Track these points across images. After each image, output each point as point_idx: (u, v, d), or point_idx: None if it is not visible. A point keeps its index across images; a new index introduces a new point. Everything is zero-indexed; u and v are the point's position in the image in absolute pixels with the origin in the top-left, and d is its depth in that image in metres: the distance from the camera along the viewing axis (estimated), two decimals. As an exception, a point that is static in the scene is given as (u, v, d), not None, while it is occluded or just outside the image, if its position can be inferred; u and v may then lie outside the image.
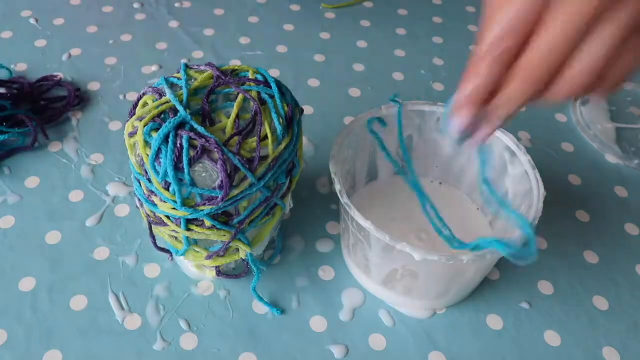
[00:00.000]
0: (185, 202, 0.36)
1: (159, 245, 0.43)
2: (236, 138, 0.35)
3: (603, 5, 0.28)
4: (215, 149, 0.34)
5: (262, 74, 0.39)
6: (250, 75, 0.39)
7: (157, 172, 0.35)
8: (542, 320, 0.44)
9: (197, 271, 0.44)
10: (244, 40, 0.67)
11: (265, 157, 0.36)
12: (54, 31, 0.65)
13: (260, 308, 0.43)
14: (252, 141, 0.35)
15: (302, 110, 0.40)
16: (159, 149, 0.34)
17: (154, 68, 0.62)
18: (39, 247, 0.46)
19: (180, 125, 0.35)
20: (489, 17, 0.31)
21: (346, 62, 0.65)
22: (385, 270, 0.42)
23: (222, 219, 0.37)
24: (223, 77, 0.38)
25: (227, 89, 0.38)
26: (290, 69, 0.63)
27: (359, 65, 0.65)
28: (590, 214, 0.52)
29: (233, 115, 0.36)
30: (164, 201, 0.36)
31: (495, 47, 0.31)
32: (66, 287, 0.43)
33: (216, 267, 0.43)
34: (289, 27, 0.69)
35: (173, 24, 0.68)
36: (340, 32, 0.69)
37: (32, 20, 0.66)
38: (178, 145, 0.34)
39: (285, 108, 0.38)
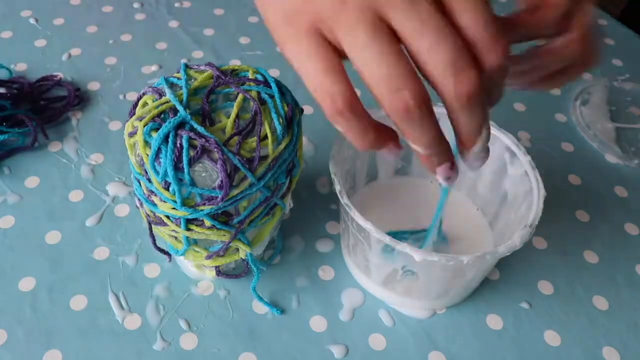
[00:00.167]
0: (185, 202, 0.36)
1: (159, 245, 0.43)
2: (236, 138, 0.35)
3: None
4: (215, 149, 0.34)
5: (262, 74, 0.39)
6: (250, 75, 0.39)
7: (157, 172, 0.35)
8: (542, 320, 0.44)
9: (197, 271, 0.44)
10: (244, 40, 0.67)
11: (265, 157, 0.36)
12: (54, 31, 0.65)
13: (260, 308, 0.43)
14: (252, 141, 0.35)
15: (302, 110, 0.40)
16: (159, 149, 0.34)
17: (154, 68, 0.62)
18: (39, 247, 0.46)
19: (180, 125, 0.35)
20: None
21: (346, 62, 0.65)
22: (385, 271, 0.42)
23: (222, 219, 0.37)
24: (223, 77, 0.38)
25: (227, 89, 0.38)
26: (290, 69, 0.63)
27: (359, 65, 0.65)
28: (590, 214, 0.52)
29: (233, 115, 0.36)
30: (164, 201, 0.36)
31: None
32: (66, 287, 0.43)
33: (216, 267, 0.43)
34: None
35: (173, 24, 0.68)
36: (340, 32, 0.69)
37: (32, 20, 0.66)
38: (178, 145, 0.34)
39: (285, 108, 0.38)
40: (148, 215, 0.40)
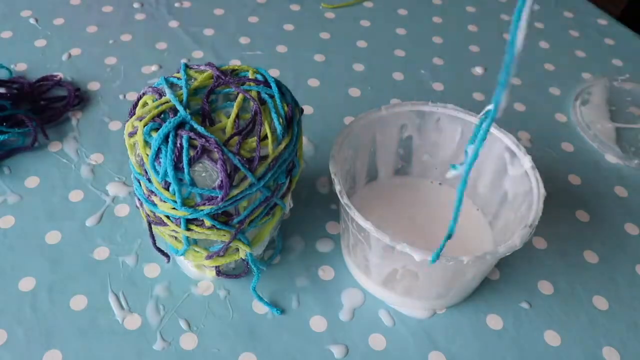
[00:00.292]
0: (185, 202, 0.36)
1: (158, 245, 0.43)
2: (236, 138, 0.35)
3: None
4: (215, 149, 0.34)
5: (262, 74, 0.39)
6: (250, 75, 0.39)
7: (157, 172, 0.35)
8: (542, 320, 0.44)
9: (197, 271, 0.44)
10: (244, 40, 0.67)
11: (265, 157, 0.36)
12: (54, 31, 0.65)
13: (260, 308, 0.43)
14: (252, 141, 0.35)
15: (302, 110, 0.40)
16: (159, 149, 0.34)
17: (154, 68, 0.62)
18: (39, 247, 0.46)
19: (180, 125, 0.35)
20: None
21: (346, 62, 0.65)
22: (385, 271, 0.42)
23: (222, 219, 0.37)
24: (223, 77, 0.38)
25: (227, 89, 0.38)
26: (290, 69, 0.63)
27: (359, 65, 0.65)
28: (590, 214, 0.52)
29: (233, 115, 0.36)
30: (164, 201, 0.36)
31: None
32: (66, 287, 0.43)
33: (216, 267, 0.43)
34: (289, 27, 0.69)
35: (173, 24, 0.68)
36: (340, 32, 0.69)
37: (32, 20, 0.66)
38: (178, 145, 0.34)
39: (285, 108, 0.38)
40: (148, 215, 0.40)
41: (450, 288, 0.42)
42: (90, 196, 0.49)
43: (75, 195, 0.49)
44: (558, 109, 0.62)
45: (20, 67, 0.60)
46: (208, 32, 0.67)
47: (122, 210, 0.48)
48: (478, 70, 0.66)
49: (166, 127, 0.34)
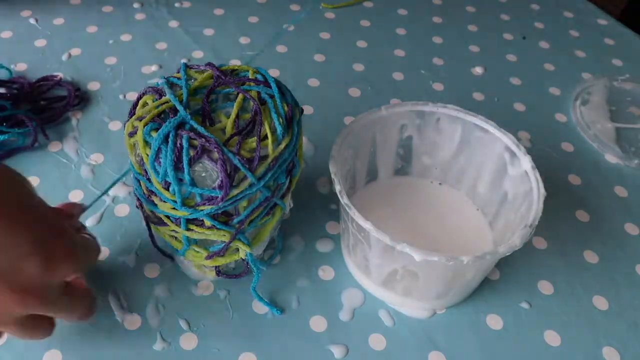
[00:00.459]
0: (185, 202, 0.36)
1: (158, 246, 0.43)
2: (236, 138, 0.35)
3: None
4: (215, 149, 0.34)
5: (262, 74, 0.39)
6: (250, 75, 0.39)
7: (157, 172, 0.35)
8: (542, 320, 0.44)
9: (197, 271, 0.44)
10: (244, 40, 0.67)
11: (265, 157, 0.36)
12: (54, 31, 0.65)
13: (260, 308, 0.43)
14: (252, 141, 0.35)
15: (302, 110, 0.40)
16: (159, 149, 0.34)
17: (154, 68, 0.62)
18: (39, 247, 0.46)
19: (180, 125, 0.35)
20: None
21: (346, 62, 0.65)
22: (385, 271, 0.42)
23: (222, 219, 0.37)
24: (223, 77, 0.38)
25: (227, 89, 0.38)
26: (290, 69, 0.63)
27: (359, 65, 0.65)
28: (590, 214, 0.52)
29: (233, 115, 0.36)
30: (164, 201, 0.36)
31: None
32: (66, 287, 0.43)
33: (216, 267, 0.43)
34: (288, 27, 0.69)
35: (173, 24, 0.68)
36: (340, 32, 0.69)
37: (32, 20, 0.66)
38: (178, 145, 0.34)
39: (285, 108, 0.38)
40: (148, 215, 0.40)
41: (450, 288, 0.42)
42: (90, 196, 0.49)
43: (75, 195, 0.49)
44: (558, 109, 0.62)
45: (20, 67, 0.60)
46: (208, 32, 0.67)
47: (122, 210, 0.48)
48: (478, 70, 0.66)
49: (166, 127, 0.34)
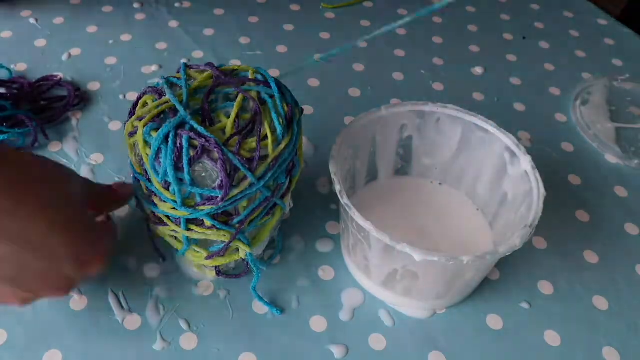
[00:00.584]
0: (185, 202, 0.36)
1: (158, 246, 0.43)
2: (236, 138, 0.35)
3: None
4: (215, 149, 0.34)
5: (262, 74, 0.39)
6: (250, 75, 0.39)
7: (157, 172, 0.35)
8: (542, 320, 0.44)
9: (197, 271, 0.44)
10: (244, 40, 0.67)
11: (265, 157, 0.36)
12: (54, 31, 0.65)
13: (260, 308, 0.43)
14: (252, 141, 0.35)
15: (302, 110, 0.40)
16: (159, 149, 0.34)
17: (154, 68, 0.62)
18: (39, 247, 0.46)
19: (180, 125, 0.35)
20: None
21: (346, 62, 0.65)
22: (385, 271, 0.42)
23: (222, 219, 0.37)
24: (223, 77, 0.38)
25: (227, 89, 0.38)
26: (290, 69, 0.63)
27: (359, 65, 0.65)
28: (590, 214, 0.52)
29: (233, 115, 0.36)
30: (164, 201, 0.36)
31: None
32: (66, 287, 0.43)
33: (216, 267, 0.43)
34: (289, 27, 0.69)
35: (173, 24, 0.68)
36: (340, 32, 0.69)
37: (32, 20, 0.66)
38: (178, 145, 0.34)
39: (285, 108, 0.38)
40: (148, 215, 0.40)
41: (450, 288, 0.42)
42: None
43: (75, 195, 0.49)
44: (558, 109, 0.62)
45: (20, 67, 0.60)
46: (208, 32, 0.67)
47: (122, 210, 0.48)
48: (478, 70, 0.66)
49: (166, 127, 0.34)
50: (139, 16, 0.68)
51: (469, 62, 0.67)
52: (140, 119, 0.36)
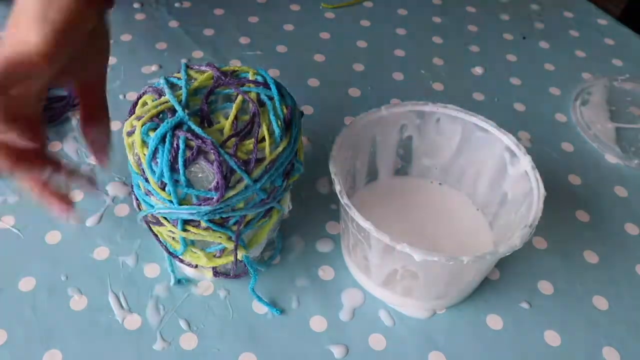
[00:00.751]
0: (182, 203, 0.36)
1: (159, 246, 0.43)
2: (233, 140, 0.35)
3: None
4: (212, 150, 0.34)
5: (262, 75, 0.39)
6: (250, 76, 0.39)
7: (153, 172, 0.35)
8: (542, 320, 0.44)
9: (195, 271, 0.44)
10: (244, 40, 0.67)
11: (262, 160, 0.36)
12: (54, 31, 0.65)
13: (260, 308, 0.43)
14: (250, 143, 0.35)
15: (302, 113, 0.40)
16: (156, 149, 0.34)
17: (154, 68, 0.62)
18: (39, 247, 0.46)
19: (178, 125, 0.35)
20: None
21: (346, 62, 0.65)
22: (385, 271, 0.42)
23: (219, 220, 0.37)
24: (223, 77, 0.38)
25: (227, 90, 0.38)
26: (290, 69, 0.63)
27: (359, 65, 0.65)
28: (590, 214, 0.52)
29: (231, 117, 0.36)
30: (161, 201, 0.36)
31: None
32: (66, 287, 0.43)
33: (213, 267, 0.43)
34: (289, 27, 0.69)
35: (173, 24, 0.68)
36: (340, 32, 0.69)
37: (32, 21, 0.66)
38: (175, 145, 0.34)
39: (285, 110, 0.37)
40: (146, 215, 0.40)
41: (450, 288, 0.42)
42: (90, 196, 0.49)
43: (75, 195, 0.49)
44: (558, 109, 0.62)
45: (21, 67, 0.60)
46: (208, 32, 0.67)
47: (122, 210, 0.48)
48: (478, 70, 0.66)
49: (163, 127, 0.34)
50: (139, 16, 0.68)
51: (469, 62, 0.67)
52: (138, 118, 0.36)
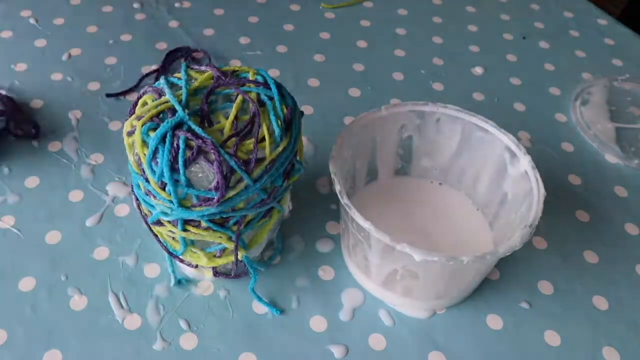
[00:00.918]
0: (182, 203, 0.36)
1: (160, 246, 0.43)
2: (234, 139, 0.35)
3: None
4: (212, 150, 0.34)
5: (262, 75, 0.39)
6: (250, 76, 0.39)
7: (154, 172, 0.35)
8: (542, 320, 0.44)
9: (195, 271, 0.44)
10: (244, 40, 0.67)
11: (262, 160, 0.36)
12: (54, 31, 0.65)
13: (260, 308, 0.43)
14: (250, 143, 0.35)
15: (302, 113, 0.40)
16: (156, 149, 0.34)
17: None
18: (39, 247, 0.46)
19: (178, 125, 0.35)
20: None
21: (346, 62, 0.65)
22: (385, 271, 0.42)
23: (219, 220, 0.37)
24: (223, 77, 0.38)
25: (227, 90, 0.38)
26: (290, 69, 0.63)
27: (359, 65, 0.65)
28: (590, 214, 0.52)
29: (231, 117, 0.36)
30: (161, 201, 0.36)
31: None
32: (66, 287, 0.43)
33: (213, 267, 0.43)
34: (289, 27, 0.69)
35: (173, 24, 0.68)
36: (340, 32, 0.69)
37: (32, 20, 0.66)
38: (175, 145, 0.34)
39: (285, 110, 0.37)
40: (146, 214, 0.40)
41: (450, 288, 0.42)
42: (90, 196, 0.49)
43: (75, 195, 0.49)
44: (558, 109, 0.62)
45: (20, 67, 0.60)
46: (208, 32, 0.67)
47: (122, 210, 0.48)
48: (478, 70, 0.66)
49: (164, 127, 0.34)
50: (139, 16, 0.68)
51: (469, 62, 0.67)
52: (139, 118, 0.36)
